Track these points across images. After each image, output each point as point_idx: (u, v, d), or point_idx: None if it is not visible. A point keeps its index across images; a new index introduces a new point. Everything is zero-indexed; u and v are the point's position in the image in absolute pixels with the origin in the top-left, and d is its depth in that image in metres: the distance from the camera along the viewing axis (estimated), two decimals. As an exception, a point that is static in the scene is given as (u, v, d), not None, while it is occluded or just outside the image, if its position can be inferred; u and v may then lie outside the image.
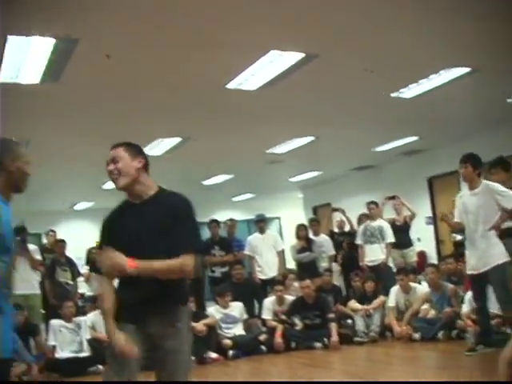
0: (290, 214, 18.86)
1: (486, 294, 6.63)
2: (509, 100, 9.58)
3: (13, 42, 5.35)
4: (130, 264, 3.03)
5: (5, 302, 3.04)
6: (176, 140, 10.19)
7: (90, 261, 10.61)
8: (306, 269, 9.91)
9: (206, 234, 11.04)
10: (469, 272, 6.62)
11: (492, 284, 6.43)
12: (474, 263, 6.43)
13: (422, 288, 8.72)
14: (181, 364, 3.25)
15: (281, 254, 10.59)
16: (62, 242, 10.43)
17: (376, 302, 8.87)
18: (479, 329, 6.74)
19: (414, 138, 11.95)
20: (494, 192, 6.28)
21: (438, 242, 13.34)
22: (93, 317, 8.73)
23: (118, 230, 3.32)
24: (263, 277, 10.15)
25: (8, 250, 3.08)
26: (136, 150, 3.40)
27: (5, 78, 6.25)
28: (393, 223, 10.54)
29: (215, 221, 10.62)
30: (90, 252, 10.84)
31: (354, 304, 9.08)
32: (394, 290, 8.66)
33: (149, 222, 3.26)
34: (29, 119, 7.97)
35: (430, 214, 13.36)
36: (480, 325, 6.72)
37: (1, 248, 3.01)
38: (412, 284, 8.74)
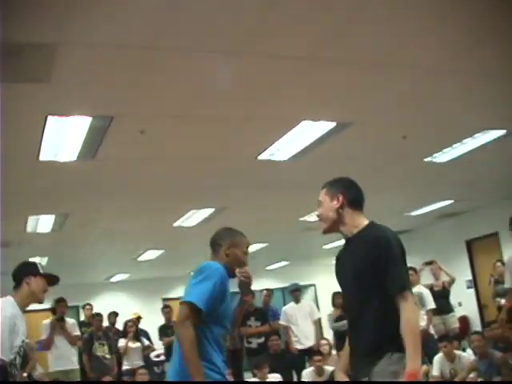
0: (325, 280, 18.64)
1: None
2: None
3: (52, 121, 5.46)
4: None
5: None
6: (209, 211, 10.23)
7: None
8: (344, 337, 9.72)
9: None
10: None
11: None
12: None
13: (468, 356, 8.45)
14: None
15: (317, 323, 10.46)
16: (99, 315, 10.42)
17: (418, 372, 8.63)
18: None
19: (450, 202, 11.86)
20: None
21: (481, 306, 13.05)
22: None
23: (339, 267, 3.43)
24: (300, 346, 10.02)
25: None
26: (335, 189, 3.33)
27: (44, 156, 6.39)
28: (431, 289, 10.37)
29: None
30: (126, 324, 10.81)
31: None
32: (438, 358, 8.41)
33: (349, 262, 3.25)
34: (68, 194, 8.12)
35: (470, 278, 13.14)
36: None
37: None
38: (457, 352, 8.48)
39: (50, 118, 5.38)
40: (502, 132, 7.58)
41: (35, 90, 4.79)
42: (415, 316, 3.09)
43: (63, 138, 5.98)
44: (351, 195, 3.34)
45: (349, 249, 3.31)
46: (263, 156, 7.35)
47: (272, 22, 4.25)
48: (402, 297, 3.01)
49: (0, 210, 7.56)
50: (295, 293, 10.51)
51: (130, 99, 5.33)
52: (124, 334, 10.68)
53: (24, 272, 4.08)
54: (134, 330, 10.55)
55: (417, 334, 3.00)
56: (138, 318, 12.02)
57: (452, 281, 10.57)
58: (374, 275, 3.07)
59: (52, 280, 4.17)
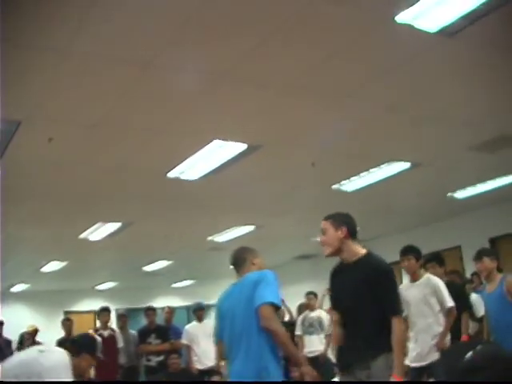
0: (231, 301, 18.69)
1: None
2: (448, 194, 9.85)
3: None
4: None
5: None
6: (116, 225, 10.10)
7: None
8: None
9: (142, 320, 10.83)
10: (407, 363, 6.55)
11: (435, 377, 6.40)
12: (414, 356, 6.41)
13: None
14: None
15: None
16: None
17: (315, 395, 8.72)
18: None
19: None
20: (435, 286, 6.33)
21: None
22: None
23: (337, 283, 4.18)
24: (200, 366, 9.92)
25: None
26: (340, 221, 4.05)
27: None
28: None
29: (151, 308, 10.41)
30: (23, 336, 10.50)
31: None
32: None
33: (349, 284, 3.98)
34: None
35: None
36: None
37: None
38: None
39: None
40: (406, 164, 7.83)
41: None
42: (404, 334, 4.00)
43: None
44: (352, 228, 4.08)
45: (349, 272, 4.03)
46: (172, 174, 7.33)
47: (184, 36, 4.27)
48: (397, 318, 3.86)
49: None
50: (198, 312, 10.41)
51: (40, 105, 5.23)
52: (20, 346, 10.36)
53: None
54: (31, 342, 10.24)
55: (403, 347, 4.01)
56: (35, 331, 11.69)
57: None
58: (373, 295, 3.84)
59: None
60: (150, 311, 10.27)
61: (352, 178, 8.32)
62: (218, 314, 4.69)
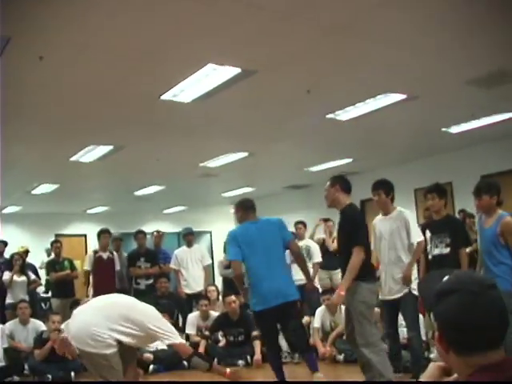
0: (222, 228, 18.76)
1: (397, 321, 6.68)
2: (443, 129, 9.80)
3: None
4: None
5: None
6: (108, 148, 10.02)
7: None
8: (232, 285, 9.83)
9: (132, 245, 10.88)
10: (381, 297, 6.65)
11: (403, 311, 6.49)
12: (387, 289, 6.50)
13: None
14: None
15: (207, 269, 10.51)
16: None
17: (301, 322, 8.86)
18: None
19: (349, 160, 12.09)
20: (405, 220, 6.37)
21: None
22: (11, 325, 8.48)
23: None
24: (189, 291, 10.04)
25: None
26: (336, 181, 5.65)
27: None
28: (322, 244, 10.57)
29: (141, 232, 10.43)
30: (12, 257, 10.52)
31: (278, 324, 9.03)
32: (320, 310, 8.65)
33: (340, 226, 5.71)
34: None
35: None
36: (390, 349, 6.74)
37: None
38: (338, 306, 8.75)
39: None
40: (402, 96, 7.74)
41: None
42: (358, 260, 5.18)
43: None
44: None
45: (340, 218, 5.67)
46: (166, 96, 7.20)
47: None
48: (356, 247, 5.23)
49: None
50: (188, 236, 10.47)
51: (30, 22, 5.08)
52: (10, 266, 10.40)
53: None
54: (21, 263, 10.28)
55: (355, 270, 5.19)
56: (26, 252, 11.76)
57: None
58: (349, 234, 5.40)
59: None
60: (141, 235, 10.31)
61: (347, 108, 8.22)
62: (240, 240, 5.91)
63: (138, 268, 9.99)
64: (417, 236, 6.35)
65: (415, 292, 6.37)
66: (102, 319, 4.77)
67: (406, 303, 6.37)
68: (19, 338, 8.44)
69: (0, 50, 5.60)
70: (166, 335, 4.84)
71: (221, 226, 18.99)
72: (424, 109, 8.45)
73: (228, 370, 5.27)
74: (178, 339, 4.97)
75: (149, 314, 4.91)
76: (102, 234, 9.94)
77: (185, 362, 8.07)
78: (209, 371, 5.13)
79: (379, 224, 6.58)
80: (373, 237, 6.55)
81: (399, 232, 6.37)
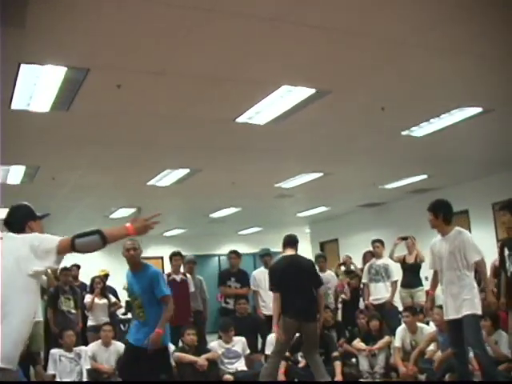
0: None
1: (463, 340, 6.46)
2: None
3: (25, 70, 5.35)
4: None
5: None
6: (185, 171, 10.17)
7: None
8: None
9: (209, 266, 10.94)
10: (445, 318, 6.53)
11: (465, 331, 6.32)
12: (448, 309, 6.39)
13: (429, 328, 8.55)
14: None
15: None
16: (66, 270, 10.33)
17: (381, 342, 8.73)
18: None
19: (424, 177, 11.92)
20: (463, 240, 6.28)
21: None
22: (94, 347, 8.64)
23: None
24: (267, 312, 10.02)
25: None
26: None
27: (16, 105, 6.26)
28: (403, 262, 10.44)
29: (235, 252, 10.43)
30: (93, 280, 10.75)
31: (358, 344, 8.93)
32: (401, 329, 8.52)
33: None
34: (39, 145, 8.01)
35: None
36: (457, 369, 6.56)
37: None
38: (419, 324, 8.58)
39: (23, 65, 5.26)
40: (478, 109, 7.59)
41: (8, 34, 4.64)
42: None
43: (36, 87, 5.85)
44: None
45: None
46: (241, 119, 7.28)
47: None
48: None
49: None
50: (265, 258, 10.46)
51: (108, 52, 5.24)
52: (91, 289, 10.63)
53: (25, 216, 3.87)
54: (101, 286, 10.49)
55: None
56: (106, 275, 11.98)
57: (422, 259, 10.57)
58: None
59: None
60: (233, 254, 10.32)
61: (422, 124, 8.12)
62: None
63: (228, 287, 10.03)
64: (475, 255, 6.24)
65: (478, 312, 6.22)
66: None
67: (468, 323, 6.21)
68: (101, 360, 8.58)
69: (79, 82, 5.79)
70: None
71: (296, 246, 18.98)
72: (500, 121, 8.25)
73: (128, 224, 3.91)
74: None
75: None
76: (173, 256, 10.04)
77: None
78: (106, 241, 3.72)
79: (438, 245, 6.49)
80: (431, 257, 6.51)
81: (457, 252, 6.26)
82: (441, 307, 8.40)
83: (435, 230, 6.46)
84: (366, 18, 4.90)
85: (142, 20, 4.70)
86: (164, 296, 6.34)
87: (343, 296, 11.24)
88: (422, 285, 10.57)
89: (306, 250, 17.72)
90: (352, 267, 11.97)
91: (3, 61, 5.05)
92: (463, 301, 6.18)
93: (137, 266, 6.55)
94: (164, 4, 4.44)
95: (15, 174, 9.58)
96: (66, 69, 5.45)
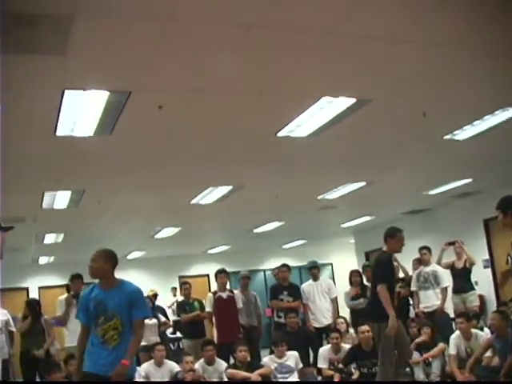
0: (342, 259, 18.67)
1: None
2: None
3: (69, 96, 5.42)
4: None
5: None
6: (227, 188, 10.20)
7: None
8: (360, 316, 9.70)
9: (256, 282, 10.93)
10: None
11: None
12: None
13: (484, 334, 8.41)
14: None
15: (335, 301, 10.43)
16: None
17: (435, 350, 8.60)
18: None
19: (468, 180, 11.76)
20: None
21: (497, 285, 12.98)
22: (147, 367, 8.69)
23: None
24: (317, 325, 10.00)
25: None
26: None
27: (61, 131, 6.35)
28: (452, 267, 10.30)
29: (285, 265, 10.45)
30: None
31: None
32: (455, 336, 8.38)
33: None
34: (84, 170, 8.12)
35: (487, 257, 13.04)
36: None
37: None
38: (473, 330, 8.44)
39: (66, 92, 5.33)
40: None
41: (51, 62, 4.73)
42: None
43: (80, 112, 5.93)
44: None
45: None
46: (282, 132, 7.27)
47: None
48: None
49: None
50: (313, 270, 10.45)
51: (148, 73, 5.28)
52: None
53: None
54: (151, 306, 10.56)
55: None
56: (155, 295, 12.07)
57: (472, 263, 10.41)
58: None
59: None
60: (284, 268, 10.33)
61: (465, 127, 8.01)
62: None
63: (280, 301, 10.02)
64: None
65: None
66: None
67: None
68: (155, 379, 8.62)
69: (122, 105, 5.86)
70: None
71: (341, 256, 18.88)
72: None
73: None
74: None
75: None
76: (218, 274, 10.10)
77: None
78: None
79: None
80: None
81: None
82: (498, 312, 8.26)
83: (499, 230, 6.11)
84: (404, 22, 4.86)
85: (181, 42, 4.71)
86: (142, 319, 5.60)
87: None
88: (473, 289, 10.42)
89: (352, 260, 17.63)
90: (401, 274, 11.83)
91: (48, 88, 5.15)
92: None
93: (109, 280, 5.64)
94: (203, 24, 4.46)
95: (61, 199, 9.72)
96: (108, 93, 5.52)
